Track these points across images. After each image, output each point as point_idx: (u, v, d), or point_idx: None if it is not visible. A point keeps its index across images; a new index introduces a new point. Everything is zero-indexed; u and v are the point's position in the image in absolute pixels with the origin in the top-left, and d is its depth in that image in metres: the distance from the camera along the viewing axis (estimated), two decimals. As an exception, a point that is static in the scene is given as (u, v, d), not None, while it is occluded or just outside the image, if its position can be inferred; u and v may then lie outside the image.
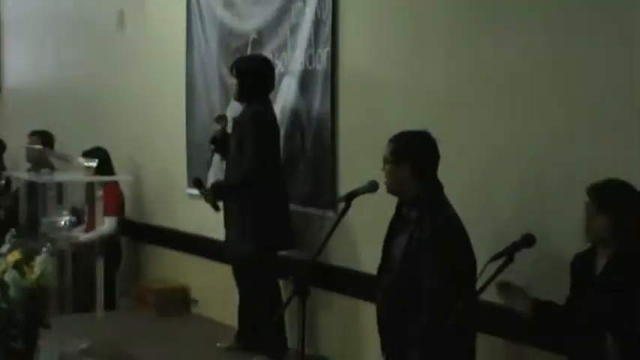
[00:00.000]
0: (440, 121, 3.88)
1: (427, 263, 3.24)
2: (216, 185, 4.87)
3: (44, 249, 4.55)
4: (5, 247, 4.70)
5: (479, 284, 3.02)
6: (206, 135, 5.77)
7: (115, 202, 6.22)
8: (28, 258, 4.62)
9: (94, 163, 4.75)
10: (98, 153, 6.11)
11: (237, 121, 4.85)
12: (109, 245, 5.96)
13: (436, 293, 3.20)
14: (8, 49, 9.11)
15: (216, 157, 5.64)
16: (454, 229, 3.33)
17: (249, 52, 5.37)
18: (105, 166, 6.07)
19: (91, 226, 5.98)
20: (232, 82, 4.91)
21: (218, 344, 4.96)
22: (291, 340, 4.69)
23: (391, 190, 3.47)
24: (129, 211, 6.56)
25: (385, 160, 3.45)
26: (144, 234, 6.58)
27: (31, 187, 4.87)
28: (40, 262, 4.52)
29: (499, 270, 2.96)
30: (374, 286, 3.51)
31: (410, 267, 3.29)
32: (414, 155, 3.41)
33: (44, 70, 8.33)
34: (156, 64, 6.44)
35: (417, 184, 3.39)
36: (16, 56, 8.99)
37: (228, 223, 4.88)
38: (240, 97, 4.86)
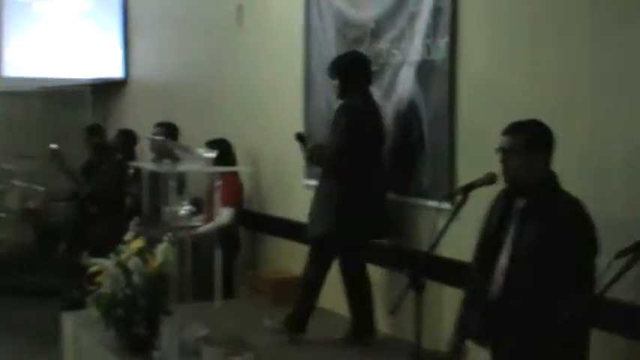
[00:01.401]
0: (556, 113, 3.80)
1: (565, 251, 3.19)
2: (315, 149, 5.13)
3: (165, 238, 4.68)
4: (129, 235, 4.86)
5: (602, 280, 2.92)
6: (325, 127, 5.82)
7: (233, 192, 6.33)
8: (150, 246, 4.77)
9: (213, 154, 4.83)
10: (220, 144, 6.23)
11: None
12: (227, 235, 6.06)
13: (577, 280, 3.15)
14: (135, 44, 9.40)
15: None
16: (586, 212, 3.28)
17: (367, 42, 5.35)
18: (226, 157, 6.20)
19: (210, 217, 6.11)
20: (333, 83, 5.06)
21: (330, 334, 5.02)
22: (407, 333, 4.66)
23: (517, 180, 3.38)
24: (248, 202, 6.67)
25: (510, 152, 3.36)
26: (262, 224, 6.67)
27: (154, 176, 4.99)
28: (161, 250, 4.66)
29: (627, 267, 2.84)
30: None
31: (542, 257, 3.23)
32: (550, 143, 3.38)
33: (168, 64, 8.57)
34: (274, 57, 6.51)
35: (546, 173, 3.35)
36: (142, 50, 9.28)
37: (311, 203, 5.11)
38: (340, 96, 5.02)
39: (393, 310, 3.36)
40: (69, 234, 8.16)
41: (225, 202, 6.22)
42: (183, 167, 4.97)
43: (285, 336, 5.10)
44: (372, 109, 4.93)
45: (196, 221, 5.58)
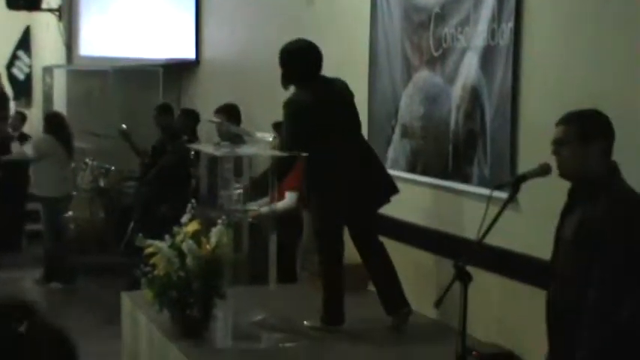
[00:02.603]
0: (621, 103, 3.68)
1: (601, 241, 3.03)
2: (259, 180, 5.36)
3: (220, 221, 4.71)
4: (185, 217, 4.91)
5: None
6: (388, 111, 5.76)
7: (297, 176, 6.30)
8: (206, 229, 4.81)
9: (270, 138, 4.85)
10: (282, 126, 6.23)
11: None
12: (289, 220, 6.07)
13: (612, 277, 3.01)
14: (207, 25, 9.47)
15: (397, 134, 5.62)
16: (630, 214, 3.09)
17: (432, 26, 5.27)
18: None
19: (273, 200, 6.11)
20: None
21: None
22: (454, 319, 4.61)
23: (571, 173, 3.24)
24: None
25: (563, 142, 3.24)
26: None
27: (212, 160, 5.03)
28: (215, 232, 4.69)
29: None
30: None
31: (580, 249, 3.10)
32: (607, 133, 3.22)
33: (239, 45, 8.61)
34: (342, 38, 6.46)
35: (603, 165, 3.19)
36: (214, 31, 9.34)
37: None
38: (283, 86, 5.18)
39: (438, 304, 3.30)
40: (137, 214, 8.31)
41: (289, 186, 6.22)
42: (241, 151, 4.98)
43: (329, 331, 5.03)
44: (316, 101, 4.96)
45: (255, 205, 5.61)
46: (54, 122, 8.89)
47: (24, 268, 9.40)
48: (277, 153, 5.49)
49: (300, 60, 5.05)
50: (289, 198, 6.26)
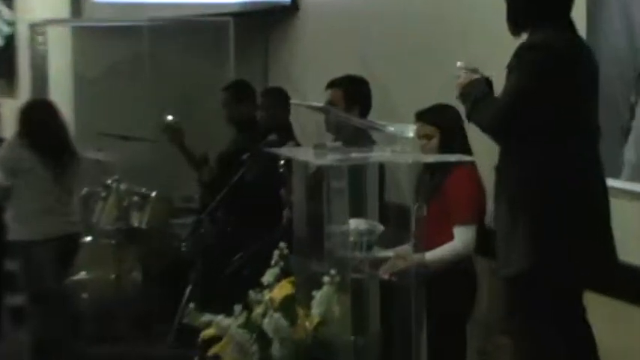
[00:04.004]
0: None
1: None
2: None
3: (327, 279, 4.77)
4: (271, 274, 5.00)
5: None
6: (624, 77, 5.76)
7: (469, 199, 6.31)
8: (305, 293, 4.88)
9: (410, 134, 4.86)
10: (443, 114, 6.30)
11: None
12: (456, 274, 6.13)
13: None
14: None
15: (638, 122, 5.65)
16: None
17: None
18: (450, 136, 6.20)
19: (424, 241, 6.10)
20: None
21: None
22: None
23: None
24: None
25: None
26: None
27: (314, 174, 5.12)
28: (320, 300, 4.76)
29: None
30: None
31: None
32: None
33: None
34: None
35: None
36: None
37: None
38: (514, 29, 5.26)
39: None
40: (196, 271, 8.43)
41: (458, 217, 6.28)
42: (361, 157, 5.03)
43: None
44: (576, 51, 5.00)
45: (392, 251, 5.64)
46: (30, 117, 8.94)
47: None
48: (432, 158, 5.54)
49: None
50: (460, 236, 6.26)
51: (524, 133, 4.95)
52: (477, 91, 5.22)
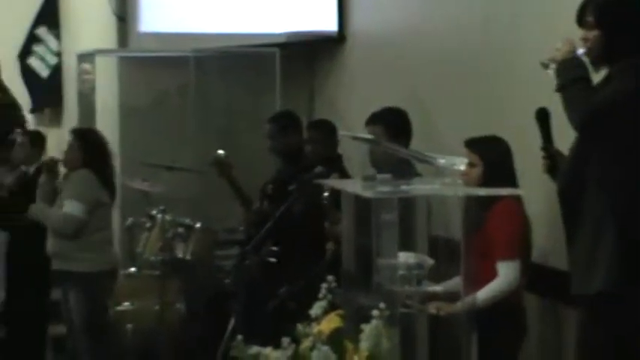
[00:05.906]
0: None
1: None
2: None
3: (376, 312, 4.75)
4: (319, 307, 4.97)
5: None
6: None
7: (513, 234, 6.27)
8: (354, 327, 4.86)
9: (463, 165, 4.86)
10: (490, 146, 6.32)
11: None
12: (504, 309, 6.08)
13: None
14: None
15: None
16: None
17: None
18: (493, 170, 6.17)
19: (470, 277, 6.07)
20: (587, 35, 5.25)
21: None
22: None
23: None
24: (541, 251, 6.65)
25: None
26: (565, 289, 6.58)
27: (361, 206, 5.08)
28: (369, 333, 4.73)
29: None
30: None
31: None
32: None
33: (407, 10, 8.75)
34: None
35: None
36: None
37: None
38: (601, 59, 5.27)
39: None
40: (240, 303, 8.40)
41: (501, 253, 6.24)
42: (409, 189, 5.02)
43: None
44: None
45: (440, 286, 5.61)
46: (101, 150, 9.05)
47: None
48: (483, 191, 5.51)
49: None
50: (505, 271, 6.22)
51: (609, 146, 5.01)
52: (581, 71, 5.25)
